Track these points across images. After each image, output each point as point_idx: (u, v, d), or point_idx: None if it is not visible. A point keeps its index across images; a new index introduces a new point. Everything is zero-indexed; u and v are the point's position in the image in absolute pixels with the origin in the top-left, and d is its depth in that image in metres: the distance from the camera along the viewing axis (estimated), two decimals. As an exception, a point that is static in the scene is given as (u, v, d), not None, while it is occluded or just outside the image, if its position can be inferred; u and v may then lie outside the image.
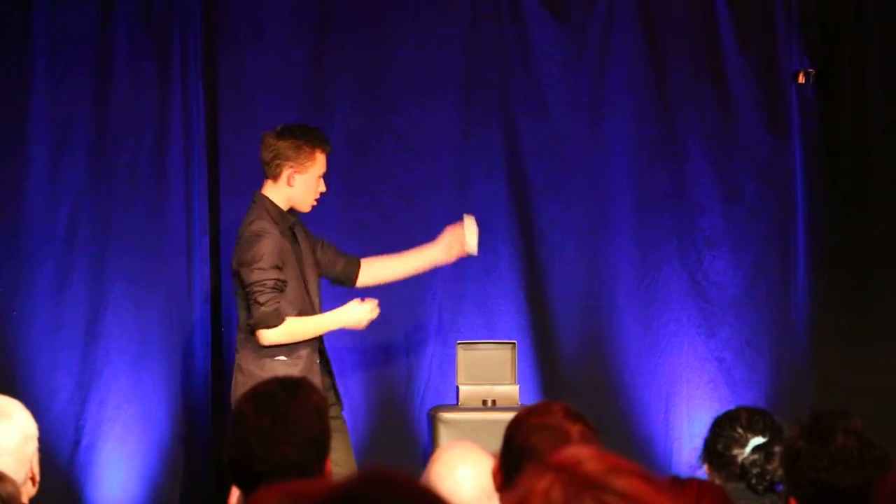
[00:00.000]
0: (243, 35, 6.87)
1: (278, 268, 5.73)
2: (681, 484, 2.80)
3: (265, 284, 5.70)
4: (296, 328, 5.77)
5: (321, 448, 3.15)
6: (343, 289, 6.29)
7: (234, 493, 3.54)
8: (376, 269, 6.20)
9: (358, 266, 6.16)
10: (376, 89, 6.95)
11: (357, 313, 5.87)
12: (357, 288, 6.22)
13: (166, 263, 6.77)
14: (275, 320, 5.71)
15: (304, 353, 5.79)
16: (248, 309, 5.75)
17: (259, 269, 5.70)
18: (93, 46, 6.76)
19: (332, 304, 6.08)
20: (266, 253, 5.71)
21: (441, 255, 6.18)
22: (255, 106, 6.84)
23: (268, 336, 5.73)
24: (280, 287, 5.73)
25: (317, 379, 5.77)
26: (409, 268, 6.21)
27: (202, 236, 6.80)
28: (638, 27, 7.05)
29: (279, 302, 5.72)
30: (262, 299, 5.69)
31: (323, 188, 5.93)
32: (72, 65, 6.75)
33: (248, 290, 5.72)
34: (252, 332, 5.76)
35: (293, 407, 3.13)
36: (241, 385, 5.72)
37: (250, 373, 5.71)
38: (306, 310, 5.85)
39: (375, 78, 6.94)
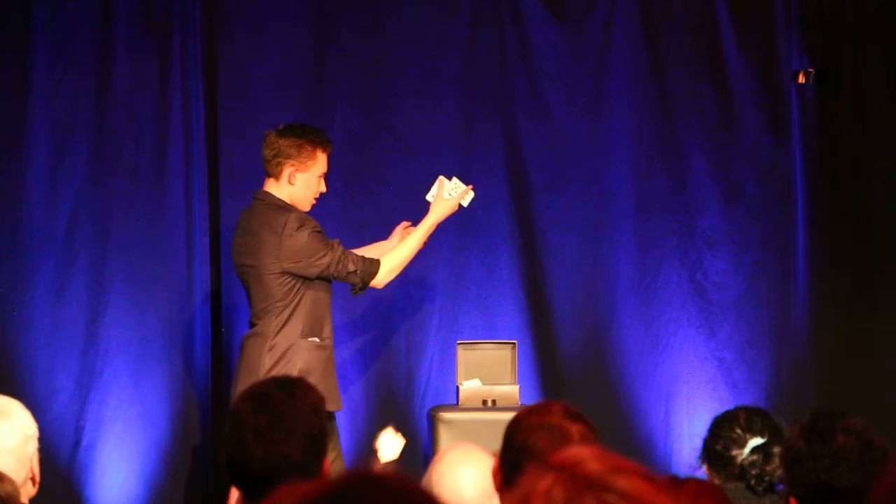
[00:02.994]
0: (243, 35, 6.88)
1: (328, 240, 5.83)
2: (679, 483, 2.79)
3: (338, 258, 5.82)
4: (394, 262, 5.98)
5: (319, 447, 3.14)
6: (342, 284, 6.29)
7: (234, 494, 3.54)
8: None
9: None
10: (376, 89, 6.95)
11: (449, 202, 6.10)
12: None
13: (166, 263, 6.77)
14: (372, 267, 5.91)
15: (330, 337, 5.86)
16: (348, 282, 5.90)
17: (323, 254, 5.79)
18: (93, 46, 6.77)
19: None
20: (315, 239, 5.79)
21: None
22: (255, 106, 6.84)
23: (379, 279, 5.94)
24: (342, 246, 5.86)
25: (333, 370, 5.82)
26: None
27: (202, 236, 6.80)
28: (638, 27, 7.05)
29: (358, 256, 5.89)
30: (350, 268, 5.84)
31: (323, 188, 5.94)
32: (72, 65, 6.75)
33: (332, 276, 5.83)
34: (363, 289, 5.94)
35: (291, 406, 3.12)
36: (261, 367, 5.73)
37: (279, 353, 5.73)
38: (319, 315, 5.85)
39: (375, 78, 6.95)
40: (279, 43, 6.90)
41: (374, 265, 5.91)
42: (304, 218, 5.82)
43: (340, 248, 5.85)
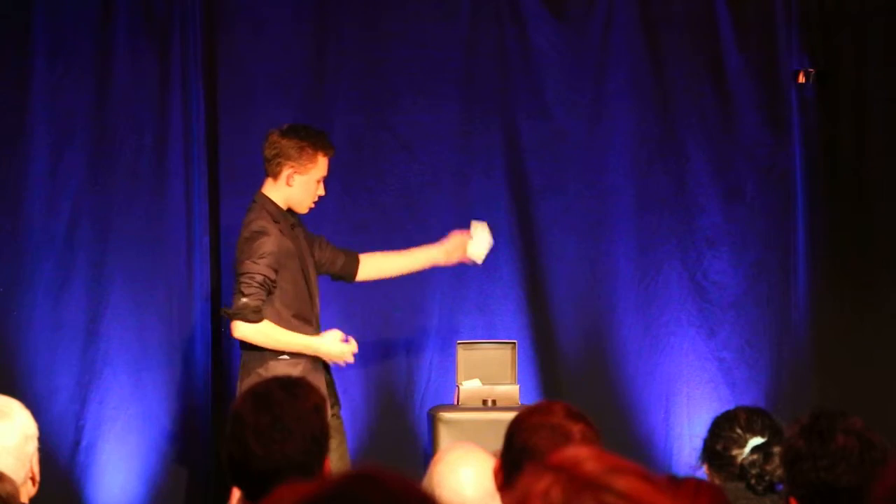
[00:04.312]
0: (243, 35, 6.88)
1: (273, 269, 5.73)
2: (678, 483, 2.79)
3: (254, 278, 5.70)
4: (270, 333, 5.74)
5: (320, 447, 3.15)
6: (343, 286, 6.29)
7: (235, 495, 3.54)
8: (375, 265, 6.21)
9: (357, 261, 6.17)
10: (376, 89, 6.95)
11: (335, 348, 5.82)
12: (356, 282, 6.22)
13: (166, 263, 6.77)
14: (253, 316, 5.71)
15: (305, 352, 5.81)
16: (233, 302, 5.75)
17: (253, 262, 5.71)
18: (93, 46, 6.77)
19: (329, 301, 6.08)
20: (266, 251, 5.72)
21: (440, 257, 6.18)
22: (255, 106, 6.84)
23: (241, 329, 5.73)
24: (268, 286, 5.72)
25: (319, 378, 5.78)
26: (407, 265, 6.22)
27: (202, 236, 6.80)
28: (638, 27, 7.05)
29: (263, 300, 5.72)
30: (247, 291, 5.70)
31: (322, 192, 5.92)
32: (72, 65, 6.75)
33: (237, 278, 5.73)
34: (229, 317, 5.77)
35: (292, 406, 3.13)
36: (245, 380, 5.75)
37: (256, 373, 5.72)
38: (305, 310, 5.86)
39: (375, 78, 6.95)
40: (279, 42, 6.89)
41: (253, 314, 5.69)
42: (267, 226, 5.78)
43: (262, 276, 5.69)
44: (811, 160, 7.11)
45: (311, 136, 5.86)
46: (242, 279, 5.71)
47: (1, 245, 6.69)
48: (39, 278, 6.69)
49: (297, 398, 3.15)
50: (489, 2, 7.01)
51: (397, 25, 6.96)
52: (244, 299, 5.70)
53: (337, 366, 5.95)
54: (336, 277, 6.21)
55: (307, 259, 5.93)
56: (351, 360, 5.86)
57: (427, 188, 6.96)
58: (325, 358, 5.83)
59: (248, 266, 5.71)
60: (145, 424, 6.67)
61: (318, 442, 3.14)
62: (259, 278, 5.70)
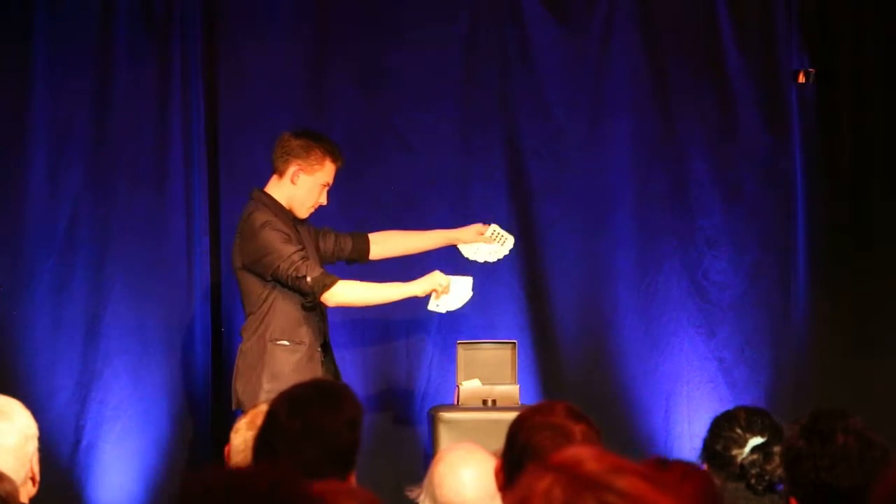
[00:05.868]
0: (243, 35, 6.88)
1: (290, 242, 5.74)
2: (664, 466, 2.77)
3: (292, 261, 5.72)
4: (358, 285, 5.83)
5: (347, 461, 3.12)
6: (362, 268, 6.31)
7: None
8: (389, 242, 6.24)
9: (367, 241, 6.20)
10: (376, 89, 6.95)
11: (435, 279, 5.92)
12: (371, 261, 6.22)
13: (166, 263, 6.77)
14: (326, 278, 5.75)
15: (306, 340, 5.81)
16: (301, 290, 5.76)
17: (276, 255, 5.71)
18: (93, 46, 6.77)
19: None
20: (272, 238, 5.73)
21: (456, 237, 6.22)
22: (255, 106, 6.84)
23: (334, 295, 5.77)
24: (306, 255, 5.76)
25: (317, 369, 5.79)
26: (423, 243, 6.28)
27: (202, 236, 6.80)
28: (638, 27, 7.05)
29: (318, 267, 5.77)
30: (301, 272, 5.72)
31: (324, 200, 5.93)
32: (72, 65, 6.75)
33: (282, 278, 5.73)
34: (313, 307, 5.79)
35: (326, 415, 3.10)
36: (241, 371, 5.77)
37: (253, 357, 5.74)
38: (294, 317, 5.85)
39: (375, 78, 6.95)
40: (279, 43, 6.90)
41: (329, 279, 5.77)
42: (269, 217, 5.79)
43: (299, 254, 5.74)
44: (811, 160, 7.12)
45: (322, 141, 5.90)
46: (288, 272, 5.70)
47: (1, 245, 6.70)
48: (39, 278, 6.69)
49: (333, 409, 3.12)
50: (489, 2, 7.01)
51: (397, 25, 6.96)
52: (308, 279, 5.72)
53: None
54: (350, 262, 6.21)
55: (312, 254, 5.94)
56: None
57: (427, 188, 6.96)
58: (428, 288, 5.93)
59: (276, 259, 5.71)
60: (145, 424, 6.67)
61: (344, 456, 3.11)
62: (296, 257, 5.72)
